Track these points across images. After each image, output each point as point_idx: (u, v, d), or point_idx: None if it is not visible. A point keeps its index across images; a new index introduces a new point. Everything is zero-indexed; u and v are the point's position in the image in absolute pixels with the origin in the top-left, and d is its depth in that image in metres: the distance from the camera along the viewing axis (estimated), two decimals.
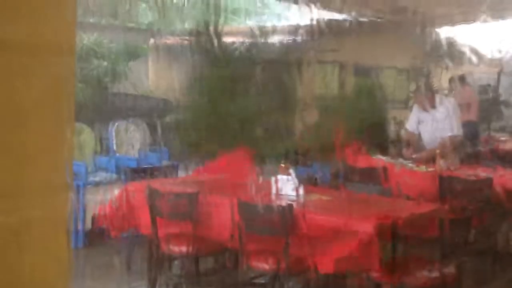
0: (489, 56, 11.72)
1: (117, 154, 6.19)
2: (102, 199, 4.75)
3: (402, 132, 9.25)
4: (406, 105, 11.22)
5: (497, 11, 10.20)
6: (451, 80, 10.14)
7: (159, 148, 6.67)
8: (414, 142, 6.18)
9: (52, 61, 0.82)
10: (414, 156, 5.80)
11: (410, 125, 6.27)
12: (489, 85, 11.78)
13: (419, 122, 6.10)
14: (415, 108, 6.28)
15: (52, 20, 0.81)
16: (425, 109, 6.01)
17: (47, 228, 0.83)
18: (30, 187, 0.79)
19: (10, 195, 0.77)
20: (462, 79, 10.04)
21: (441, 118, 5.92)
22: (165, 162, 6.16)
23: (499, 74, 11.45)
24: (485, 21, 11.30)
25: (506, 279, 4.87)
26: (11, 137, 0.78)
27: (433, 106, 5.96)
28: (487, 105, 10.66)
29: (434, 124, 5.94)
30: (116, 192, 4.64)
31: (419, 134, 6.09)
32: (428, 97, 6.06)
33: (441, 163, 5.58)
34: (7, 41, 0.76)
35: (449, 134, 5.85)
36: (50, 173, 0.83)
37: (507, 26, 11.24)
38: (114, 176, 5.61)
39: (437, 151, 5.69)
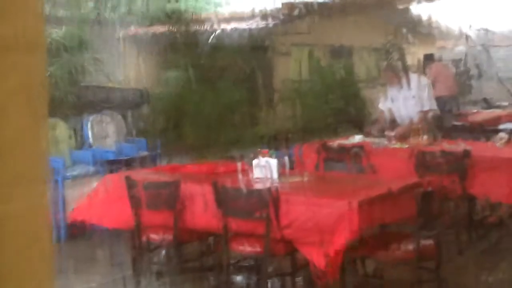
0: (458, 31, 11.87)
1: (94, 147, 6.14)
2: (81, 193, 4.72)
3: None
4: (380, 84, 11.33)
5: None
6: (424, 57, 10.26)
7: (136, 139, 6.63)
8: (383, 120, 6.27)
9: (23, 57, 0.82)
10: (389, 133, 5.86)
11: (381, 103, 6.35)
12: (460, 59, 11.94)
13: (391, 100, 6.17)
14: (387, 86, 6.36)
15: (21, 15, 0.81)
16: (394, 87, 6.08)
17: (27, 221, 0.83)
18: (7, 180, 0.80)
19: None
20: (430, 56, 10.18)
21: (412, 95, 6.00)
22: (142, 153, 6.14)
23: (467, 48, 11.61)
24: None
25: (482, 249, 4.99)
26: None
27: (402, 84, 6.05)
28: (460, 79, 10.80)
29: (405, 101, 6.02)
30: (95, 185, 4.62)
31: (391, 112, 6.15)
32: (397, 75, 6.15)
33: (414, 139, 5.67)
34: None
35: (420, 109, 5.94)
36: (27, 167, 0.83)
37: (475, 1, 11.38)
38: (92, 169, 5.58)
39: (412, 127, 5.77)
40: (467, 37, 11.97)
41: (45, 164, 0.85)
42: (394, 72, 6.24)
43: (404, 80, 6.07)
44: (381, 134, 6.00)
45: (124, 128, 6.67)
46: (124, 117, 6.91)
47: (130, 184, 4.08)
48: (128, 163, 5.09)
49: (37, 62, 0.84)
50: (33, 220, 0.83)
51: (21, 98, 0.82)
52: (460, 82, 11.25)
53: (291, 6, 9.15)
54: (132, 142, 6.51)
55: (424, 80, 6.45)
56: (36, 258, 0.82)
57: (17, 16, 0.80)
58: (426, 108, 6.00)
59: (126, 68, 9.72)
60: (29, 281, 0.82)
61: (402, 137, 5.76)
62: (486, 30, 12.25)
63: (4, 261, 0.78)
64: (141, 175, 4.48)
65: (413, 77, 6.26)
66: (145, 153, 6.15)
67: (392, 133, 5.83)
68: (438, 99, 7.50)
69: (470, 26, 12.04)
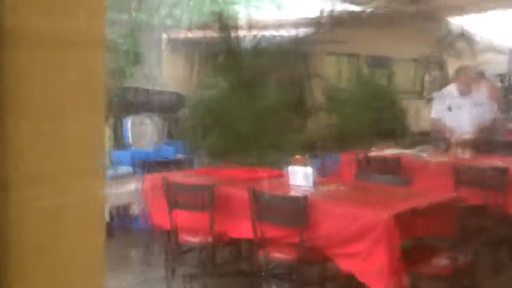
0: (501, 44, 11.64)
1: (133, 148, 6.23)
2: (120, 192, 4.80)
3: (419, 122, 9.23)
4: (420, 96, 11.18)
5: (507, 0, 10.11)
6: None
7: (173, 141, 6.70)
8: (438, 129, 5.97)
9: (84, 53, 0.84)
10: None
11: (435, 111, 6.07)
12: (505, 74, 11.69)
13: (449, 108, 5.83)
14: (447, 92, 6.04)
15: (83, 10, 0.82)
16: (461, 93, 5.75)
17: (84, 214, 0.85)
18: (67, 173, 0.82)
19: (50, 180, 0.79)
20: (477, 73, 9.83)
21: (479, 103, 5.67)
22: (179, 155, 6.19)
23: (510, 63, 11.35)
24: (496, 10, 11.23)
25: None
26: (49, 126, 0.80)
27: (470, 90, 5.67)
28: (505, 95, 10.56)
29: (469, 109, 5.68)
30: (133, 185, 4.69)
31: (446, 121, 5.83)
32: (469, 79, 5.73)
33: (457, 152, 5.56)
34: (40, 35, 0.78)
35: (482, 119, 5.65)
36: (85, 161, 0.85)
37: None
38: (130, 169, 5.66)
39: (453, 141, 5.66)
40: (511, 51, 11.72)
41: (102, 158, 0.87)
42: (467, 76, 5.84)
43: (473, 86, 5.73)
44: (435, 143, 5.78)
45: (162, 130, 6.75)
46: (163, 119, 7.00)
47: (167, 185, 4.13)
48: (166, 165, 5.14)
49: (97, 58, 0.85)
50: (89, 213, 0.85)
51: (81, 93, 0.83)
52: (506, 98, 11.01)
53: (332, 15, 9.12)
54: (170, 144, 6.58)
55: (491, 88, 6.16)
56: (90, 250, 0.84)
57: (79, 11, 0.81)
58: (489, 117, 5.74)
59: (166, 71, 9.84)
60: (82, 272, 0.84)
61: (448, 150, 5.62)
62: None
63: (61, 249, 0.80)
64: (178, 177, 4.52)
65: (483, 83, 5.96)
66: (182, 155, 6.21)
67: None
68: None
69: None
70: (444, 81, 11.05)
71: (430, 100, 11.13)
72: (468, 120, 5.69)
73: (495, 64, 11.82)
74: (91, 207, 0.85)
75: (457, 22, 11.46)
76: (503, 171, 4.77)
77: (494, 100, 5.97)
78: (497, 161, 5.13)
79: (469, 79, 5.80)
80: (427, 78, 11.62)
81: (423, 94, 11.24)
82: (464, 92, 5.75)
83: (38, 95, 0.78)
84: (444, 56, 11.36)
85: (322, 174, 4.63)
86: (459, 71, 6.08)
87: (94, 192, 0.85)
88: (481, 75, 9.72)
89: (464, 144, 5.57)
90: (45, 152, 0.79)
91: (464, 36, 11.07)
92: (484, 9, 11.11)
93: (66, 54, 0.80)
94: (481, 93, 5.77)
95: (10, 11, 0.71)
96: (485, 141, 5.71)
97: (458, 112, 5.75)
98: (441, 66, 11.51)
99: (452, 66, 11.09)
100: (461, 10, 11.25)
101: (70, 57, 0.81)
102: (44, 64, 0.78)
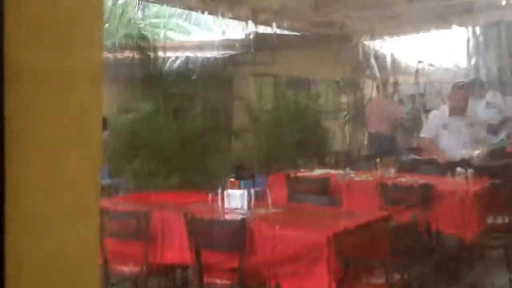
0: (414, 67, 12.28)
1: None
2: None
3: (340, 142, 9.48)
4: (339, 116, 11.54)
5: (418, 24, 10.74)
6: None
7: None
8: (430, 148, 6.12)
9: (82, 89, 0.82)
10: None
11: (427, 129, 6.22)
12: (414, 95, 12.30)
13: (443, 127, 5.90)
14: (441, 112, 6.14)
15: (82, 47, 0.81)
16: (457, 111, 5.81)
17: (79, 255, 0.82)
18: (64, 212, 0.79)
19: (47, 220, 0.77)
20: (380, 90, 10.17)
21: (471, 123, 5.80)
22: (105, 181, 6.00)
23: (424, 84, 11.99)
24: (407, 34, 11.88)
25: (448, 283, 5.07)
26: (45, 163, 0.78)
27: (466, 109, 5.79)
28: (415, 114, 11.11)
29: (464, 129, 5.80)
30: None
31: (438, 139, 5.94)
32: (466, 98, 5.78)
33: (380, 171, 5.77)
34: (39, 70, 0.76)
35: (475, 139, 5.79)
36: (82, 200, 0.82)
37: (429, 39, 11.85)
38: None
39: (377, 159, 5.87)
40: (417, 71, 12.35)
41: (98, 196, 0.84)
42: (466, 95, 5.88)
43: (468, 105, 5.79)
44: (428, 161, 5.90)
45: None
46: None
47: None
48: None
49: (95, 92, 0.83)
50: (85, 254, 0.81)
51: (79, 130, 0.81)
52: (414, 117, 11.56)
53: (255, 37, 9.26)
54: None
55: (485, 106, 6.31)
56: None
57: (79, 48, 0.80)
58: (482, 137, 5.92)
59: None
60: None
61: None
62: (433, 65, 12.69)
63: None
64: (107, 204, 4.36)
65: (480, 103, 6.14)
66: (108, 181, 6.01)
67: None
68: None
69: (420, 62, 12.47)
70: (360, 102, 11.50)
71: (348, 121, 11.53)
72: (457, 139, 5.81)
73: (407, 85, 12.43)
74: (86, 248, 0.81)
75: (370, 45, 11.99)
76: (428, 188, 4.99)
77: None
78: (421, 179, 5.35)
79: (465, 98, 5.85)
80: (344, 99, 12.02)
81: (342, 115, 11.62)
82: (460, 110, 5.84)
83: (36, 132, 0.75)
84: (359, 78, 11.82)
85: (254, 197, 4.62)
86: (454, 89, 6.14)
87: (88, 234, 0.82)
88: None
89: (388, 162, 5.79)
90: (43, 191, 0.77)
91: (376, 58, 11.57)
92: (394, 34, 11.73)
93: (65, 89, 0.78)
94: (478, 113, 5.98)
95: (10, 47, 0.68)
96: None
97: (450, 131, 5.85)
98: (357, 87, 11.97)
99: (368, 88, 11.57)
100: (372, 34, 11.80)
101: (69, 92, 0.78)
102: (44, 99, 0.75)
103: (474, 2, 9.05)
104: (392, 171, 5.65)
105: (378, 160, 5.86)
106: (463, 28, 11.04)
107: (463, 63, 12.03)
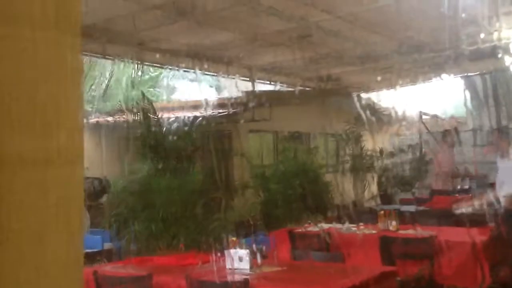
0: (412, 117, 12.39)
1: None
2: None
3: (342, 195, 9.46)
4: (339, 169, 11.54)
5: (414, 75, 10.91)
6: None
7: (99, 230, 6.43)
8: None
9: (63, 171, 0.82)
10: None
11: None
12: (416, 144, 12.34)
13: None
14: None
15: (63, 129, 0.82)
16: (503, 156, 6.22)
17: None
18: None
19: None
20: None
21: None
22: (107, 245, 5.94)
23: (420, 134, 12.06)
24: (404, 86, 12.05)
25: None
26: (28, 249, 0.78)
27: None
28: (417, 165, 11.12)
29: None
30: None
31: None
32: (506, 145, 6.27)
33: (382, 224, 5.71)
34: (20, 155, 0.76)
35: None
36: (63, 280, 0.82)
37: (426, 89, 12.02)
38: None
39: (379, 212, 5.83)
40: (421, 122, 12.45)
41: (80, 277, 0.84)
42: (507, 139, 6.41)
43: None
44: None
45: (87, 219, 6.47)
46: (86, 207, 6.72)
47: (100, 280, 3.91)
48: (93, 257, 4.90)
49: (76, 175, 0.83)
50: None
51: (60, 214, 0.81)
52: (418, 168, 11.57)
53: (251, 94, 9.38)
54: (96, 233, 6.31)
55: None
56: None
57: (61, 131, 0.80)
58: None
59: (87, 157, 9.58)
60: None
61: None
62: (437, 117, 12.83)
63: None
64: (108, 269, 4.31)
65: None
66: (109, 244, 5.95)
67: None
68: None
69: (422, 113, 12.60)
70: (360, 154, 11.54)
71: (348, 173, 11.52)
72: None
73: (406, 136, 12.51)
74: None
75: (367, 97, 12.13)
76: (432, 239, 4.93)
77: None
78: (423, 231, 5.30)
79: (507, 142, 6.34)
80: (343, 151, 12.04)
81: (342, 167, 11.61)
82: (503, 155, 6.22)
83: (18, 218, 0.75)
84: (358, 130, 11.88)
85: (257, 255, 4.57)
86: (498, 136, 6.85)
87: None
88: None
89: (389, 214, 5.74)
90: (24, 278, 0.76)
91: (374, 110, 11.68)
92: (390, 86, 11.89)
93: (45, 174, 0.78)
94: None
95: None
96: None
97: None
98: (357, 139, 12.01)
99: (368, 140, 11.63)
100: (368, 87, 11.97)
101: (48, 176, 0.78)
102: (24, 184, 0.75)
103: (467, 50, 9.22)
104: (394, 223, 5.59)
105: (380, 212, 5.81)
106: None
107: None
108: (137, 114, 8.12)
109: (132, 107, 8.58)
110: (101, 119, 10.04)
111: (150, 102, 8.08)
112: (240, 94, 9.90)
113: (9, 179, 0.73)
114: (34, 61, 0.76)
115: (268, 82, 10.11)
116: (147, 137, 7.79)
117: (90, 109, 10.37)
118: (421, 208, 7.51)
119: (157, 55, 7.93)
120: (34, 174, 0.78)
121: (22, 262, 0.75)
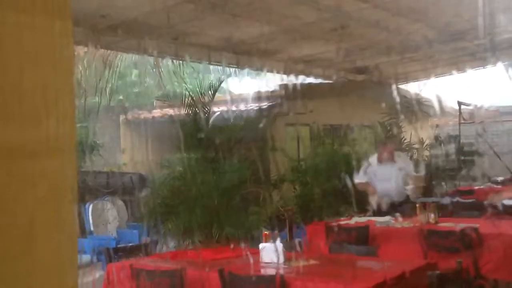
0: (451, 108, 12.09)
1: (94, 235, 6.00)
2: (82, 283, 4.56)
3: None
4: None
5: (453, 64, 10.64)
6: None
7: (137, 224, 6.50)
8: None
9: (53, 162, 0.79)
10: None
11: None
12: (456, 136, 12.05)
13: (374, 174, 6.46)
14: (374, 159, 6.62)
15: (53, 119, 0.79)
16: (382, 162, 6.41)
17: None
18: None
19: None
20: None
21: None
22: (144, 239, 6.00)
23: (459, 125, 11.75)
24: (440, 75, 11.76)
25: None
26: (18, 247, 0.75)
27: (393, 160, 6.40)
28: (456, 155, 10.85)
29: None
30: (97, 274, 4.48)
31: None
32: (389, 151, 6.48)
33: (421, 217, 5.58)
34: (5, 147, 0.74)
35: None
36: (57, 283, 0.79)
37: (465, 79, 11.69)
38: (90, 258, 5.40)
39: (417, 205, 5.70)
40: (460, 113, 12.14)
41: (75, 278, 0.81)
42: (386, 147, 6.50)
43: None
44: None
45: (125, 214, 6.55)
46: (125, 202, 6.81)
47: (135, 273, 3.95)
48: (131, 250, 4.95)
49: (67, 166, 0.80)
50: None
51: (52, 209, 0.78)
52: (456, 158, 11.28)
53: (288, 88, 9.33)
54: (134, 227, 6.38)
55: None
56: None
57: (50, 121, 0.77)
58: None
59: (126, 152, 9.72)
60: None
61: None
62: (478, 107, 12.47)
63: None
64: (144, 262, 4.34)
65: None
66: (147, 238, 6.02)
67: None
68: None
69: (461, 103, 12.27)
70: (400, 145, 11.32)
71: None
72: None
73: (447, 127, 12.21)
74: None
75: (407, 88, 11.89)
76: (473, 231, 4.79)
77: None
78: (463, 223, 5.16)
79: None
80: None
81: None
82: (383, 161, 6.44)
83: (3, 214, 0.72)
84: (397, 121, 11.66)
85: (292, 248, 4.53)
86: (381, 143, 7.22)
87: None
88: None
89: (428, 207, 5.61)
90: (14, 275, 0.73)
91: (415, 101, 11.45)
92: (429, 75, 11.62)
93: (36, 165, 0.75)
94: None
95: None
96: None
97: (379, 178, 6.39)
98: (396, 131, 11.79)
99: (408, 131, 11.41)
100: (406, 77, 11.73)
101: (37, 167, 0.75)
102: (14, 177, 0.73)
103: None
104: (433, 216, 5.45)
105: (418, 205, 5.67)
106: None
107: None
108: (180, 109, 8.13)
109: (176, 102, 8.60)
110: (140, 115, 10.17)
111: (193, 97, 8.07)
112: (277, 88, 9.85)
113: None
114: (19, 47, 0.74)
115: (305, 75, 10.03)
116: (194, 131, 7.78)
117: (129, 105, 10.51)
118: (468, 200, 7.29)
119: (193, 50, 7.95)
120: (20, 166, 0.75)
121: (9, 260, 0.73)
